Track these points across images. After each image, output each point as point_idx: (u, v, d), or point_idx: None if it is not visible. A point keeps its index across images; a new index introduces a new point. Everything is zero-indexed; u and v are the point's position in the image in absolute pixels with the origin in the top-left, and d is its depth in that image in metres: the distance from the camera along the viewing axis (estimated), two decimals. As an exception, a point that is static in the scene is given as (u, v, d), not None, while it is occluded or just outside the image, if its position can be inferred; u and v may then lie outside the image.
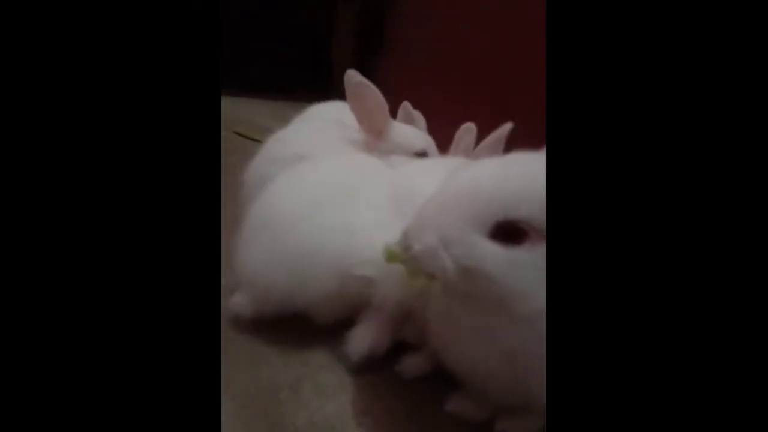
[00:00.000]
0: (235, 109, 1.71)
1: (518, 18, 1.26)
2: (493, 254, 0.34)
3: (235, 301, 0.55)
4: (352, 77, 0.74)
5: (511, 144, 0.82)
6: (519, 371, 0.39)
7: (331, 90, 0.81)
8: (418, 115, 0.97)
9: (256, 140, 0.87)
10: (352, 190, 0.56)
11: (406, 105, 0.95)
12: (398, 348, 0.54)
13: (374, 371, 0.53)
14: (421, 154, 0.80)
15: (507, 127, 0.80)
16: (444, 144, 0.87)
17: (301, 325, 0.57)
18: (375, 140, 0.78)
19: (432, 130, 0.94)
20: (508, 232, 0.34)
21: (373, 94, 0.75)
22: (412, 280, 0.39)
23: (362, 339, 0.51)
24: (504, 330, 0.37)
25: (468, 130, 0.83)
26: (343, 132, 0.80)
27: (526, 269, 0.34)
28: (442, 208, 0.36)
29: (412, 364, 0.53)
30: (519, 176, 0.35)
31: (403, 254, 0.38)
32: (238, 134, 1.17)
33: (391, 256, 0.40)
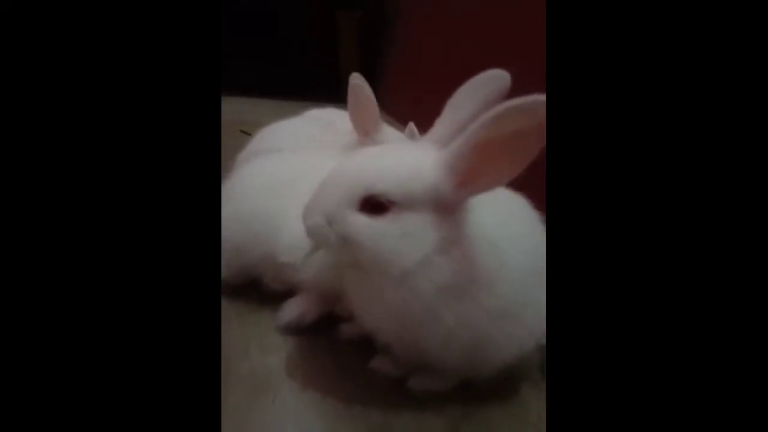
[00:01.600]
0: (245, 110, 1.86)
1: (522, 20, 1.29)
2: (361, 225, 0.42)
3: None
4: (353, 79, 0.83)
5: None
6: (407, 328, 0.46)
7: (340, 93, 0.90)
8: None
9: (250, 135, 0.98)
10: (298, 181, 0.63)
11: (411, 126, 1.03)
12: (337, 317, 0.62)
13: (314, 334, 0.61)
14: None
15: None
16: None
17: (258, 294, 0.65)
18: (362, 138, 0.86)
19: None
20: (373, 206, 0.41)
21: (367, 96, 0.82)
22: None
23: (292, 309, 0.61)
24: (385, 290, 0.44)
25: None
26: (320, 131, 0.88)
27: (390, 236, 0.41)
28: (325, 189, 0.44)
29: (346, 328, 0.60)
30: (377, 159, 0.43)
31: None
32: (243, 132, 1.28)
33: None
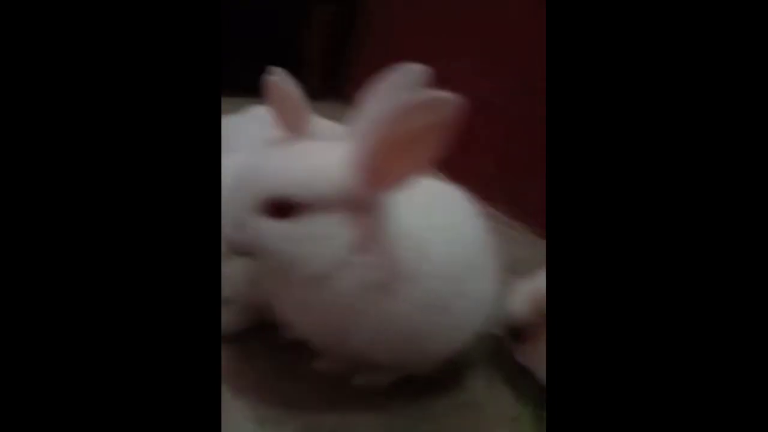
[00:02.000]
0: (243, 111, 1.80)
1: (492, 19, 1.27)
2: (268, 229, 0.40)
3: None
4: (271, 75, 0.80)
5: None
6: (334, 330, 0.45)
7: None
8: None
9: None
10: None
11: None
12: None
13: (252, 339, 0.59)
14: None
15: None
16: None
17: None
18: (290, 136, 0.84)
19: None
20: (280, 208, 0.39)
21: (290, 90, 0.80)
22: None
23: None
24: (305, 294, 0.43)
25: None
26: (262, 129, 0.86)
27: (298, 240, 0.40)
28: (231, 194, 0.41)
29: (284, 333, 0.59)
30: (280, 160, 0.41)
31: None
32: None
33: None
